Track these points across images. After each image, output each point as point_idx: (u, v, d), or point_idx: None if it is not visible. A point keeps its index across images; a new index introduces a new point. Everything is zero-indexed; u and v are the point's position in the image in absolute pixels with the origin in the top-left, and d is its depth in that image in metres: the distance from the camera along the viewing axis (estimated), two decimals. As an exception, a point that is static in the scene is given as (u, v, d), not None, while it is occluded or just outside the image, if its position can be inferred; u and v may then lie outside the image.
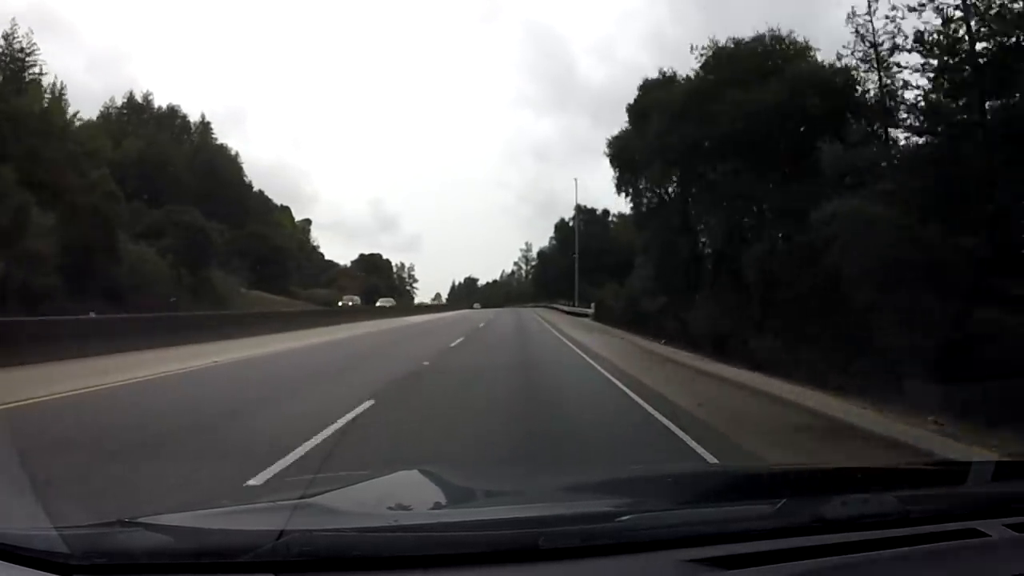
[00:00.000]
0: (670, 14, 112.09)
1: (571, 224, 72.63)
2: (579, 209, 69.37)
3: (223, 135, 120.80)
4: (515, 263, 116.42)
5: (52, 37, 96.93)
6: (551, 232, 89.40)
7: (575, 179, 61.76)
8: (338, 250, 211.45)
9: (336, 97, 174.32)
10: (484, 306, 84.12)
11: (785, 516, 1.44)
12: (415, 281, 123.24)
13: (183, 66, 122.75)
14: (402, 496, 1.86)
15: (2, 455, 4.20)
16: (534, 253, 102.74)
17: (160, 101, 65.33)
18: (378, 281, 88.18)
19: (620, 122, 33.55)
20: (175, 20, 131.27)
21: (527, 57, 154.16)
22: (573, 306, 54.62)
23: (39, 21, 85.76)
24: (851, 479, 2.11)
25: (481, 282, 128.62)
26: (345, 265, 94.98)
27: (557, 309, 60.03)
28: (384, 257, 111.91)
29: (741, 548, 1.32)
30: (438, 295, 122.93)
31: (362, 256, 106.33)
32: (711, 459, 5.84)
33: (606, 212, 74.58)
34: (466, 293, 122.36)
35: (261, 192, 72.33)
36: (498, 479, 2.55)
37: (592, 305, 42.48)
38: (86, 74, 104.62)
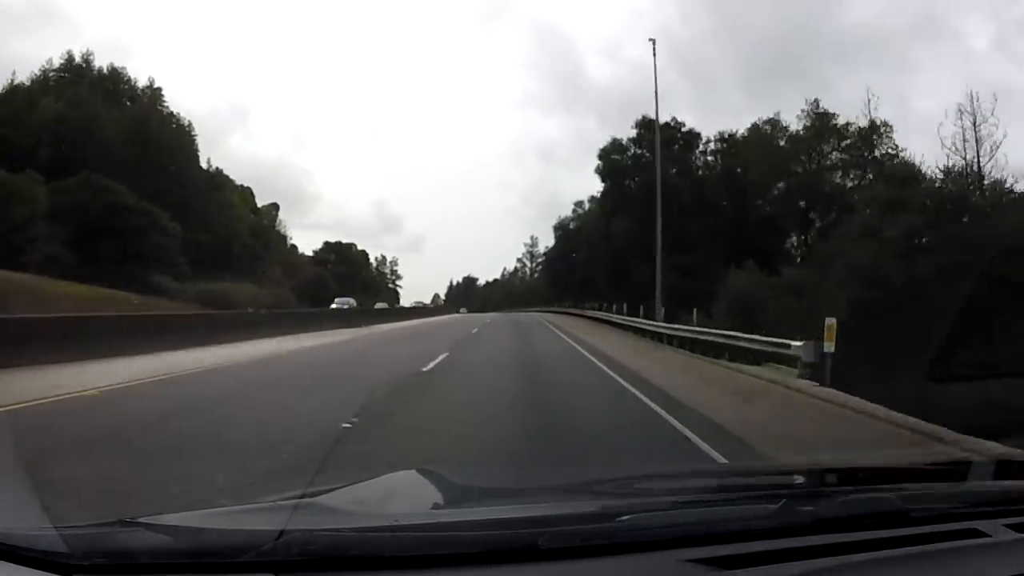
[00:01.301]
0: (678, 13, 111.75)
1: (632, 151, 43.11)
2: (659, 127, 34.43)
3: (226, 133, 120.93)
4: (518, 259, 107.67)
5: (51, 30, 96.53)
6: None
7: (651, 40, 36.34)
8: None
9: (340, 97, 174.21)
10: (480, 310, 76.99)
11: (785, 516, 1.44)
12: (398, 278, 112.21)
13: (186, 65, 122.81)
14: (402, 496, 1.85)
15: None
16: (540, 249, 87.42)
17: (102, 63, 55.84)
18: (343, 275, 68.75)
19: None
20: (179, 18, 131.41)
21: (532, 56, 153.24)
22: (646, 317, 25.67)
23: (39, 11, 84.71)
24: (851, 478, 2.11)
25: (481, 281, 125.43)
26: (304, 255, 76.02)
27: (615, 324, 29.01)
28: (359, 247, 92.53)
29: (741, 548, 1.32)
30: (436, 296, 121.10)
31: (327, 244, 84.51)
32: None
33: (693, 134, 43.51)
34: (464, 293, 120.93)
35: (219, 170, 60.52)
36: (498, 479, 2.55)
37: (828, 327, 10.88)
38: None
